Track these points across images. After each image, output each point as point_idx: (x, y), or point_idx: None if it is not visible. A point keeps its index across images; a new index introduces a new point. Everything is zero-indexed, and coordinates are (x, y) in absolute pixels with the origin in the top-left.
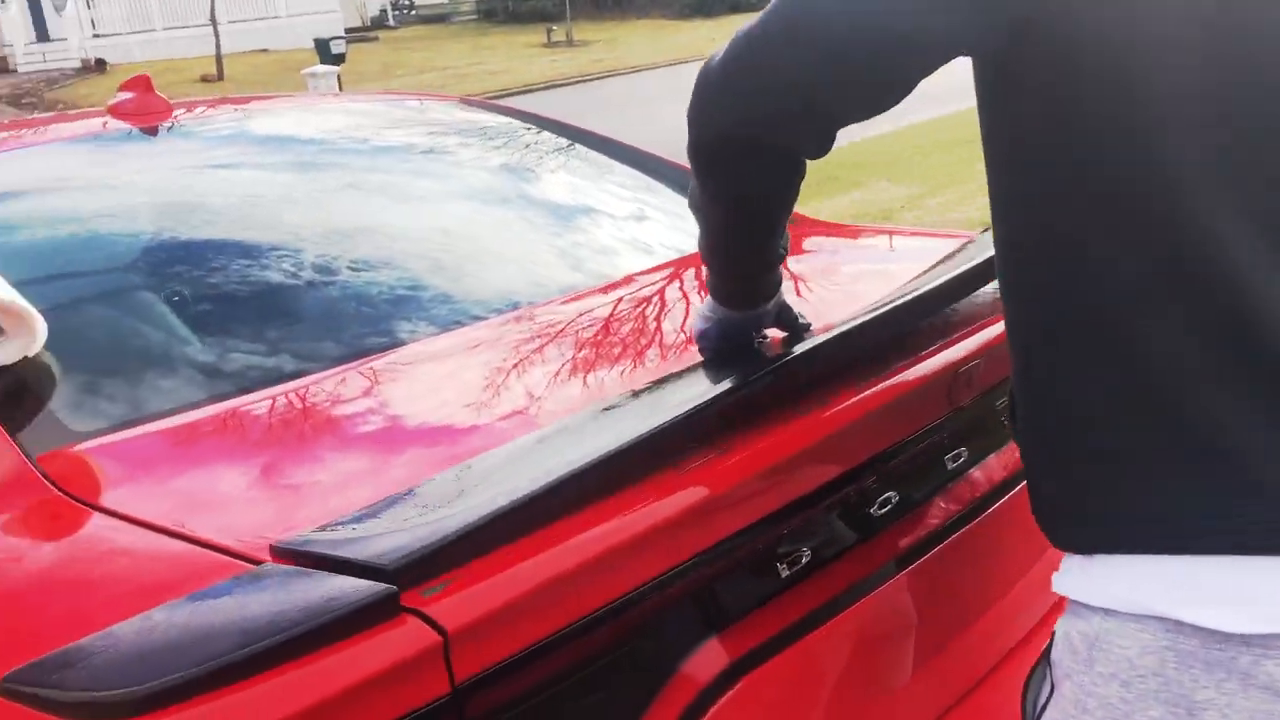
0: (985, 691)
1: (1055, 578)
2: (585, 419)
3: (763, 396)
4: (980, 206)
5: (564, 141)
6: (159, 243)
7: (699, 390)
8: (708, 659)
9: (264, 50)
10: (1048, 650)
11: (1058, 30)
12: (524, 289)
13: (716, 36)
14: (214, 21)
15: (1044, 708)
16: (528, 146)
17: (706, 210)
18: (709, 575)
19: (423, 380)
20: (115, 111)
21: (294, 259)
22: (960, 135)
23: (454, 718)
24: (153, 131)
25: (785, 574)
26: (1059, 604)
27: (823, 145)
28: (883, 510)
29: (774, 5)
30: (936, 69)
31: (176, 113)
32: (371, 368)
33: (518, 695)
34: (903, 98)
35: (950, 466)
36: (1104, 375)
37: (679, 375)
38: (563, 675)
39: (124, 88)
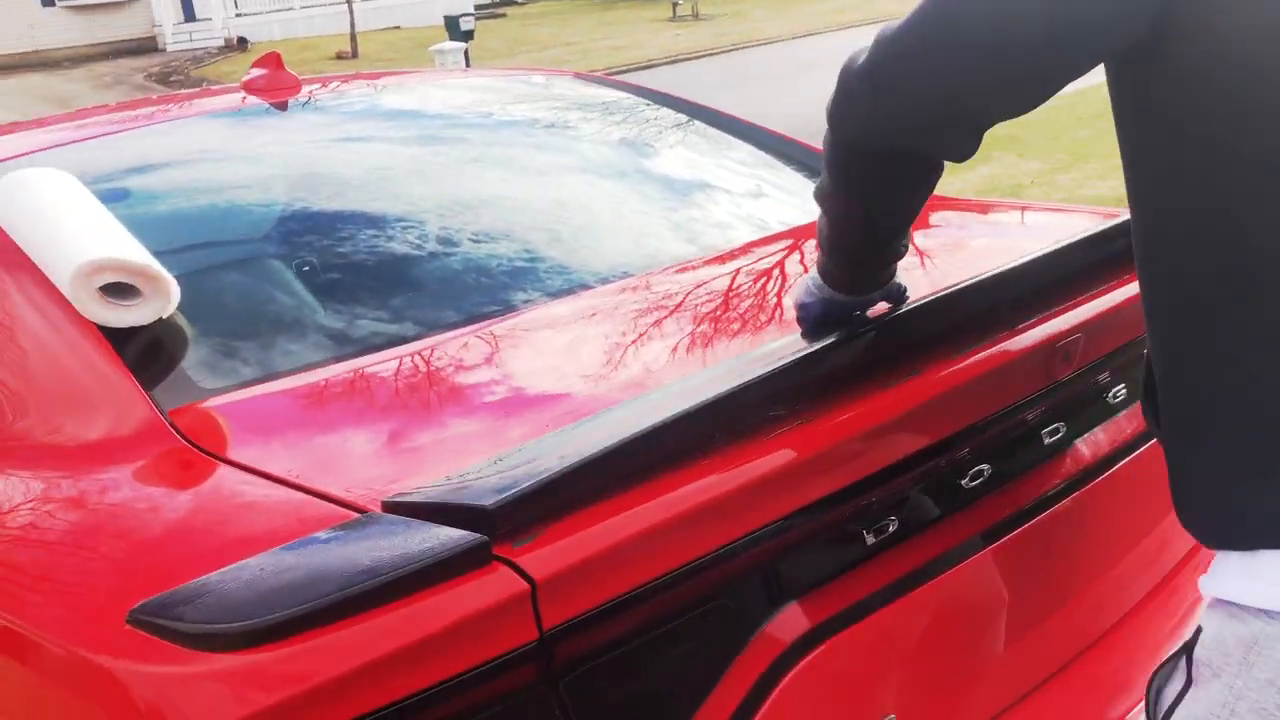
0: (1071, 674)
1: (1204, 580)
2: (684, 385)
3: (856, 364)
4: (1114, 184)
5: (670, 114)
6: (284, 213)
7: (792, 357)
8: (791, 621)
9: (396, 27)
10: (1189, 646)
11: (1205, 15)
12: (633, 259)
13: (844, 8)
14: (349, 0)
15: (1177, 702)
16: (637, 120)
17: (834, 207)
18: (796, 538)
19: (533, 345)
20: (248, 87)
21: (412, 229)
22: (1091, 110)
23: (543, 662)
24: (282, 106)
25: (870, 541)
26: (1152, 594)
27: (970, 148)
28: (974, 483)
29: (921, 9)
30: (1087, 68)
31: (306, 88)
32: (487, 333)
33: (604, 644)
34: (1050, 96)
35: (1046, 442)
36: (1275, 364)
37: (776, 343)
38: (647, 627)
39: (256, 65)
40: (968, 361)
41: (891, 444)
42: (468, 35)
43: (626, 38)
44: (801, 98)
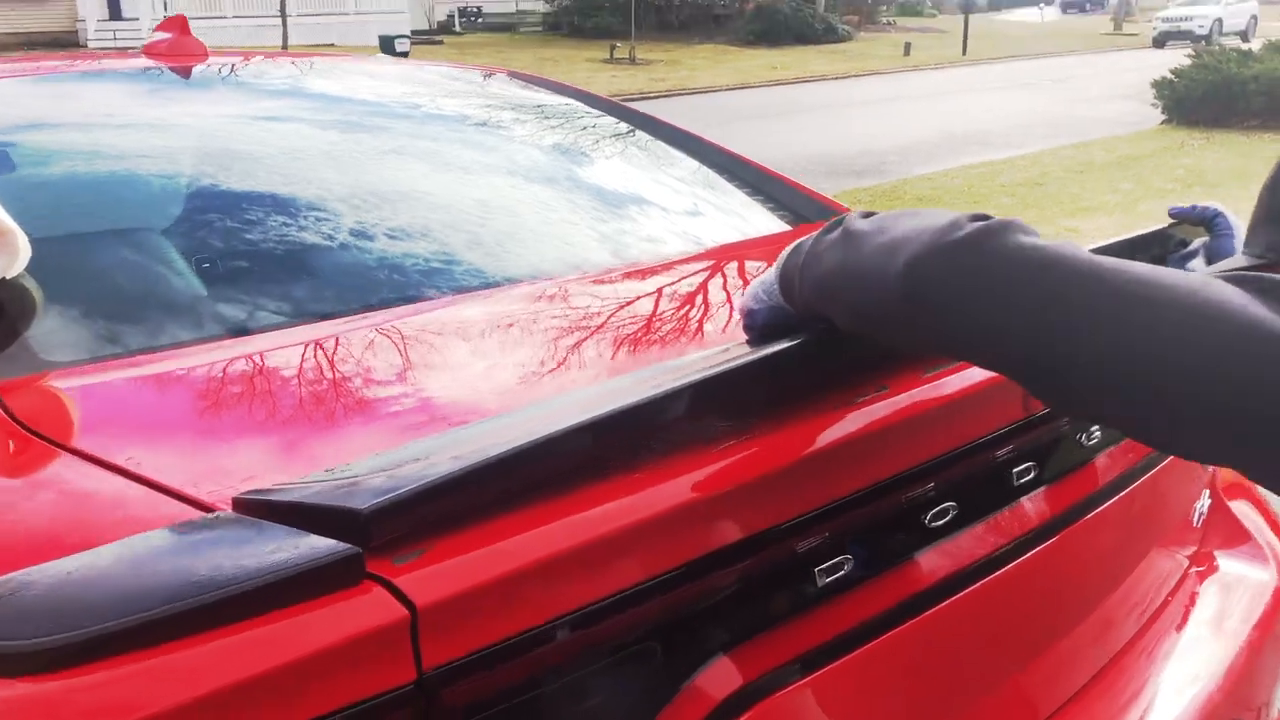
0: None
1: None
2: (611, 386)
3: (813, 375)
4: None
5: (609, 120)
6: (163, 182)
7: (740, 363)
8: (725, 673)
9: (331, 45)
10: None
11: None
12: (558, 265)
13: (778, 64)
14: (283, 13)
15: None
16: (573, 123)
17: (843, 290)
18: (735, 576)
19: (423, 342)
20: (149, 51)
21: (298, 210)
22: (1013, 179)
23: (419, 710)
24: (184, 73)
25: (820, 584)
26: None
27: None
28: (937, 523)
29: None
30: None
31: (213, 58)
32: (369, 326)
33: (498, 692)
34: None
35: (1017, 483)
36: None
37: (720, 349)
38: (553, 674)
39: (160, 28)
40: (942, 381)
41: (851, 470)
42: (402, 57)
43: (562, 75)
44: (734, 144)
